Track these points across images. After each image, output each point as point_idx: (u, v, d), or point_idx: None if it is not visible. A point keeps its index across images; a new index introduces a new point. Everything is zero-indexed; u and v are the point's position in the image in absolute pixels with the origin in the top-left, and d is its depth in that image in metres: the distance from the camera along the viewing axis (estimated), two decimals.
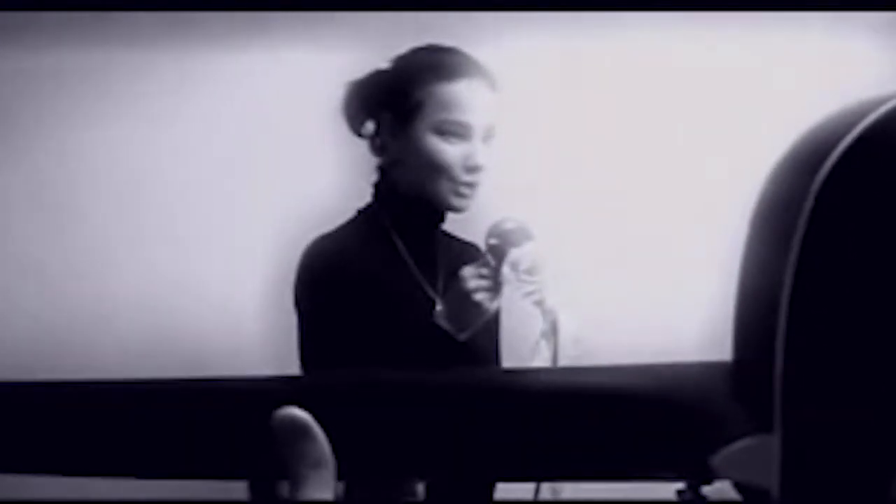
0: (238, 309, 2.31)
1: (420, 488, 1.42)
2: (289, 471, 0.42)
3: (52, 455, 0.46)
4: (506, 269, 1.40)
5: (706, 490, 0.42)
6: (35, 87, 2.41)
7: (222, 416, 0.45)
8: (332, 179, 2.11)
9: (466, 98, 1.48)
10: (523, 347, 1.50)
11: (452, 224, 1.59)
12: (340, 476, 0.44)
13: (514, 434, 0.42)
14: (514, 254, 1.40)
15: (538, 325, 1.44)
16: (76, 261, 2.41)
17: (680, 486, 0.43)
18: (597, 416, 0.41)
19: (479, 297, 1.41)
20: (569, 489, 1.57)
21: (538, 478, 0.45)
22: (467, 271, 1.43)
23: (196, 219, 2.42)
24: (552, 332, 1.42)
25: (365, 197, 1.58)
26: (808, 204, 0.32)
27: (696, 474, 0.41)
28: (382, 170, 1.55)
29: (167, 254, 2.41)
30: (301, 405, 0.44)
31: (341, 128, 1.58)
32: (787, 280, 0.32)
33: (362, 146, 1.56)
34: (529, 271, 1.40)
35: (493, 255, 1.43)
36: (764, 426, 0.35)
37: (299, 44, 2.35)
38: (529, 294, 1.41)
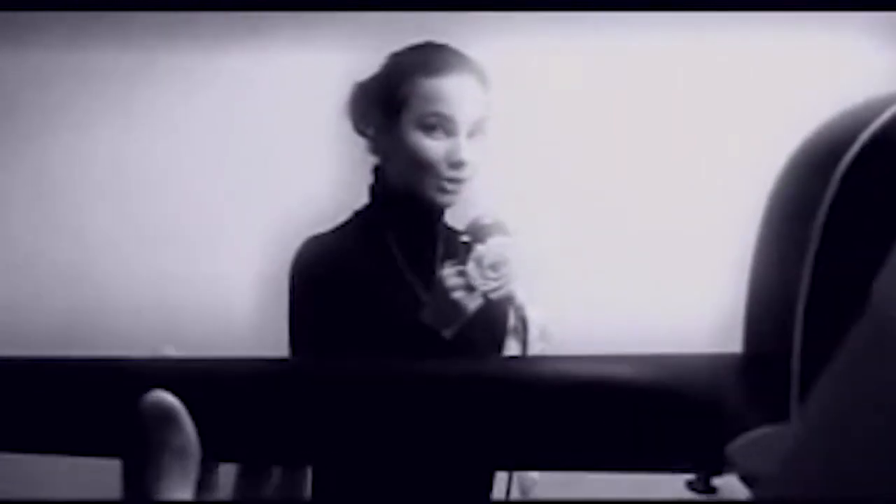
0: (237, 307, 2.32)
1: (308, 481, 1.41)
2: (153, 457, 0.41)
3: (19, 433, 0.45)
4: (470, 266, 1.38)
5: (716, 481, 0.43)
6: (37, 87, 2.41)
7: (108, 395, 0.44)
8: (331, 180, 2.11)
9: (451, 92, 1.47)
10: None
11: (454, 218, 1.59)
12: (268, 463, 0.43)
13: (523, 424, 0.42)
14: (478, 250, 1.38)
15: (509, 320, 1.44)
16: (76, 260, 2.41)
17: (689, 477, 0.44)
18: (608, 407, 0.41)
19: (456, 295, 1.39)
20: (538, 490, 1.58)
21: (546, 468, 0.45)
22: (446, 268, 1.42)
23: (195, 218, 2.42)
24: (522, 327, 1.41)
25: (363, 198, 1.59)
26: (827, 200, 0.32)
27: (707, 466, 0.41)
28: (377, 170, 1.56)
29: (166, 253, 2.41)
30: (285, 389, 0.43)
31: (340, 128, 1.59)
32: (806, 273, 0.32)
33: (361, 147, 1.57)
34: (493, 267, 1.38)
35: (466, 253, 1.42)
36: (775, 417, 0.36)
37: (299, 44, 2.36)
38: (495, 290, 1.39)
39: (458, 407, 0.43)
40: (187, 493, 0.41)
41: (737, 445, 0.37)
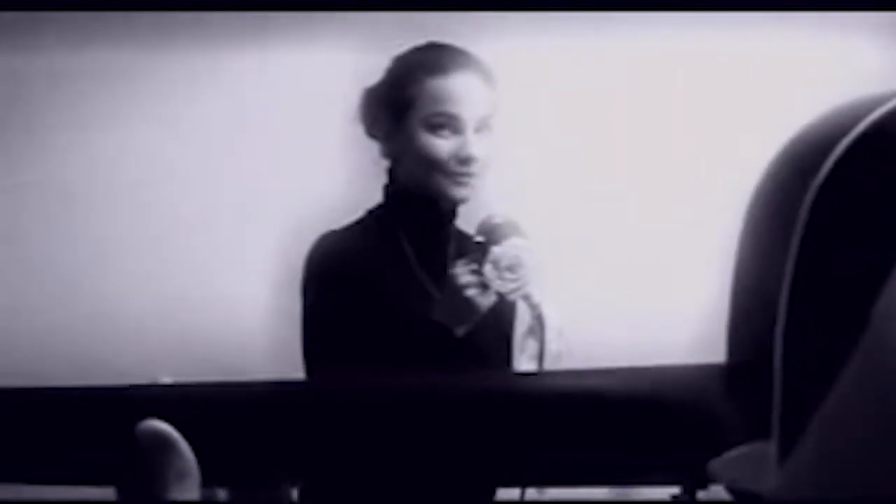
0: (246, 311, 2.32)
1: (293, 494, 1.41)
2: (154, 483, 0.42)
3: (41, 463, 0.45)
4: (487, 268, 1.39)
5: (701, 495, 0.42)
6: (39, 88, 2.41)
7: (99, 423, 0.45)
8: (340, 180, 2.11)
9: (456, 91, 1.49)
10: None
11: (465, 221, 1.59)
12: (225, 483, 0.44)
13: (507, 439, 0.41)
14: (495, 252, 1.39)
15: (525, 320, 1.44)
16: (81, 262, 2.41)
17: (675, 490, 0.43)
18: (591, 420, 0.41)
19: (469, 293, 1.40)
20: (554, 490, 1.56)
21: (532, 482, 0.44)
22: (459, 266, 1.43)
23: (202, 219, 2.42)
24: (539, 327, 1.41)
25: (375, 197, 1.59)
26: (807, 205, 0.31)
27: (692, 478, 0.40)
28: (390, 170, 1.57)
29: (173, 255, 2.41)
30: (300, 412, 0.43)
31: (350, 129, 1.60)
32: (786, 282, 0.31)
33: (371, 147, 1.58)
34: (511, 268, 1.39)
35: (480, 252, 1.42)
36: (759, 429, 0.35)
37: (301, 44, 2.36)
38: (512, 291, 1.40)
39: (442, 424, 0.42)
40: None
41: (720, 462, 0.36)
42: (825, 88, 1.87)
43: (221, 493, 0.48)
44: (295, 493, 1.38)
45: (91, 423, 0.45)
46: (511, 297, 1.41)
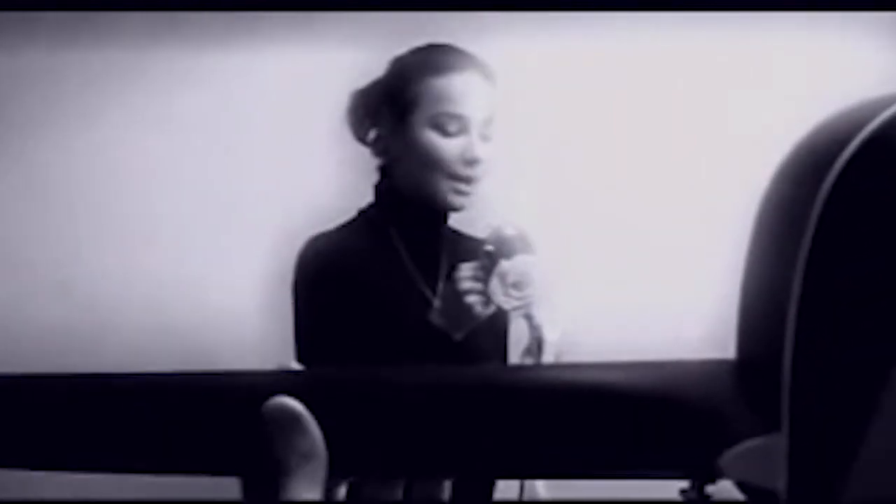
0: (237, 309, 2.31)
1: (447, 489, 1.41)
2: (277, 462, 0.41)
3: (39, 450, 0.45)
4: (493, 281, 1.39)
5: (710, 489, 0.42)
6: (30, 87, 2.41)
7: (218, 410, 0.44)
8: (331, 180, 2.11)
9: (462, 90, 1.49)
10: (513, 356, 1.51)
11: (457, 221, 1.59)
12: (338, 472, 0.43)
13: (517, 431, 0.42)
14: (503, 266, 1.39)
15: (525, 340, 1.44)
16: (71, 260, 2.41)
17: (684, 484, 0.43)
18: (600, 413, 0.41)
19: (470, 299, 1.41)
20: (551, 489, 1.56)
21: (539, 476, 0.44)
22: (463, 271, 1.42)
23: (194, 219, 2.42)
24: (537, 349, 1.41)
25: (366, 198, 1.58)
26: (819, 204, 0.32)
27: (700, 473, 0.41)
28: (383, 170, 1.56)
29: (163, 253, 2.41)
30: (299, 399, 0.43)
31: (341, 128, 1.59)
32: (797, 279, 0.32)
33: (363, 147, 1.57)
34: (517, 286, 1.38)
35: (488, 262, 1.42)
36: (768, 425, 0.35)
37: (298, 44, 2.35)
38: (516, 308, 1.40)
39: (449, 415, 0.42)
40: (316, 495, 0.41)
41: (730, 456, 0.37)
42: (825, 88, 1.88)
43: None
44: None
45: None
46: (514, 314, 1.40)
